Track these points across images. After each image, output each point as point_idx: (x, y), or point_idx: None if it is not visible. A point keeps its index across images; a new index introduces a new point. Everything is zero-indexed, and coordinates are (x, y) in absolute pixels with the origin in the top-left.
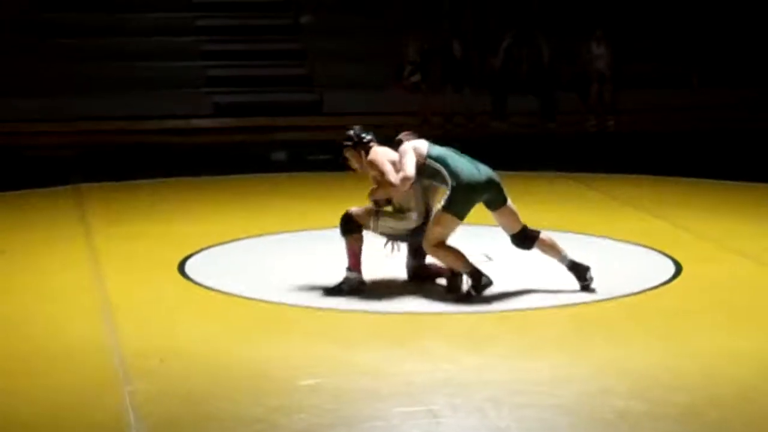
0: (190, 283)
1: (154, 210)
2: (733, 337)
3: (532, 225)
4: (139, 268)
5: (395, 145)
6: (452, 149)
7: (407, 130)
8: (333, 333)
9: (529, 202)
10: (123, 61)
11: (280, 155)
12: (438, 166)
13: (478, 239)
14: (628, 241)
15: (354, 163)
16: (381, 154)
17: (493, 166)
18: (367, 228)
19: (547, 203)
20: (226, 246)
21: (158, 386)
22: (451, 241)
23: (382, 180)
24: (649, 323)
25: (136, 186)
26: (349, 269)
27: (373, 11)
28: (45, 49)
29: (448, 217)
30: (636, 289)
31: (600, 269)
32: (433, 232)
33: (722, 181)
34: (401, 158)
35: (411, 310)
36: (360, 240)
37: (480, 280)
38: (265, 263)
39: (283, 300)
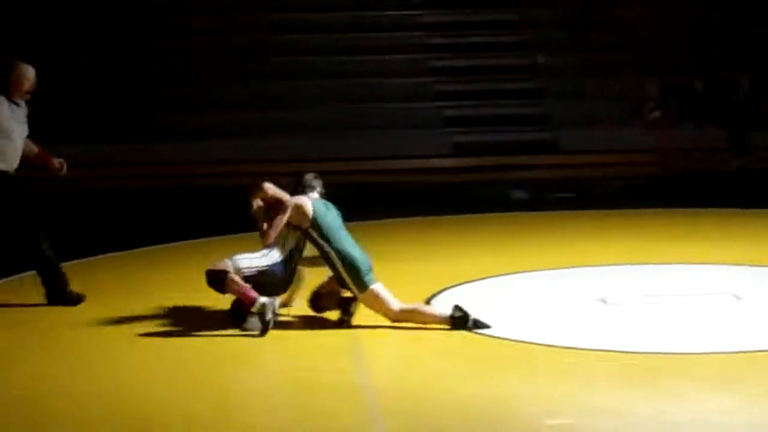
0: None
1: (398, 249)
2: None
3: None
4: None
5: (296, 185)
6: (338, 217)
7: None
8: (575, 372)
9: None
10: (363, 103)
11: (519, 194)
12: (320, 240)
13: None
14: None
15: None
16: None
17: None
18: (228, 268)
19: None
20: (471, 284)
21: (408, 425)
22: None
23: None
24: None
25: (381, 225)
26: (249, 311)
27: (608, 49)
28: (287, 92)
29: (371, 293)
30: None
31: None
32: (381, 310)
33: None
34: (280, 212)
35: (655, 351)
36: (233, 280)
37: (465, 321)
38: (509, 301)
39: (526, 338)
